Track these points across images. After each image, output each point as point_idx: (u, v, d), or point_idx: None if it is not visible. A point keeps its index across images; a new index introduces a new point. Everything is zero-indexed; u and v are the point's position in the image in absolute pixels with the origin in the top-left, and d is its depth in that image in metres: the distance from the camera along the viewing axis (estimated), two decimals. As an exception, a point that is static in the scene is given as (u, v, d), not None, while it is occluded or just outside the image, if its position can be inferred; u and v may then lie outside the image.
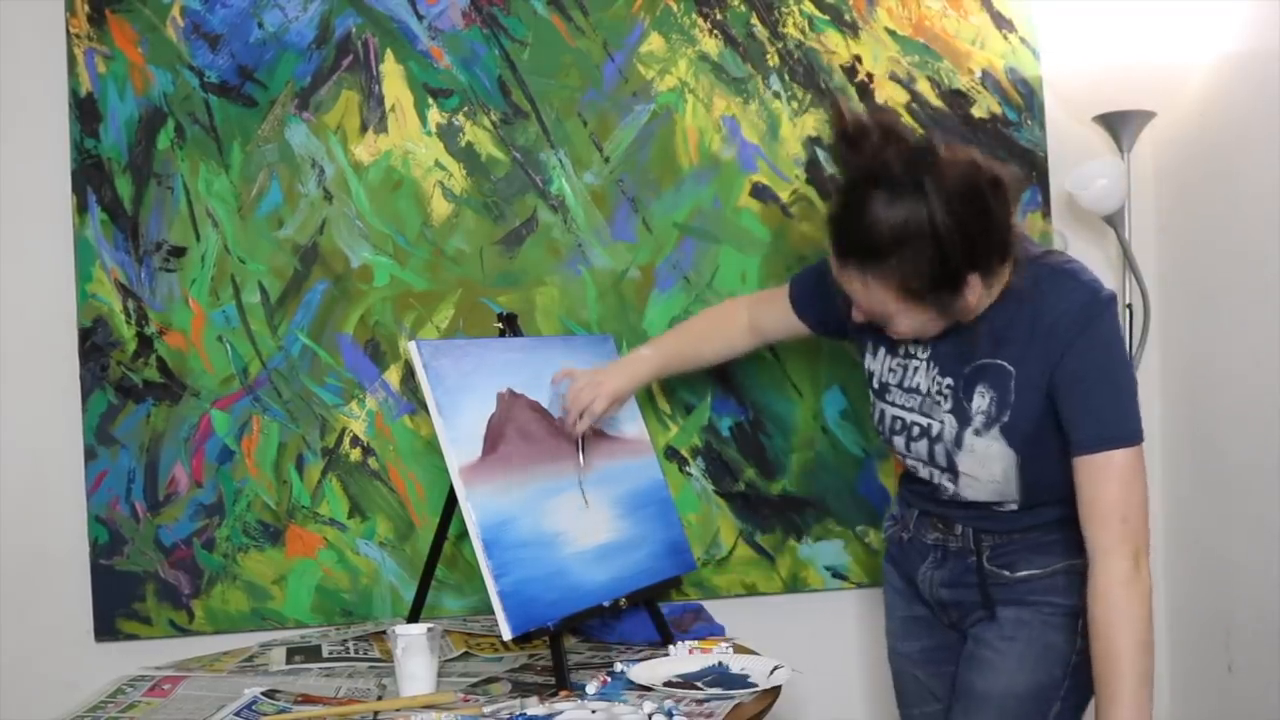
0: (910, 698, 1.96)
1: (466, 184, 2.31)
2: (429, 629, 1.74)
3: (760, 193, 2.35)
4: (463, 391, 1.88)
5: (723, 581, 2.35)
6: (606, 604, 1.92)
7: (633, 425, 2.15)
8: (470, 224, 2.31)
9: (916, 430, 1.73)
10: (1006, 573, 1.74)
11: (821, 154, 2.36)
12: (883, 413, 1.79)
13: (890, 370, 1.77)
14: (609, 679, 1.77)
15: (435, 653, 1.73)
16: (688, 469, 2.34)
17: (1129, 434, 1.60)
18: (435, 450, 2.13)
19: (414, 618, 2.08)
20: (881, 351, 1.78)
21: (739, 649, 1.91)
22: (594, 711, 1.59)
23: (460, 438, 1.82)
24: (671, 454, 2.34)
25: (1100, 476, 1.58)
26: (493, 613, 1.72)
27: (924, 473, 1.77)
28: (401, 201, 2.30)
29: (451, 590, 2.29)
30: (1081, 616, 1.65)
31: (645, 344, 2.06)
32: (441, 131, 2.30)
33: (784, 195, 2.35)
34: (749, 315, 2.01)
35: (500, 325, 2.11)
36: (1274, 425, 2.09)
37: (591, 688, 1.71)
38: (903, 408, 1.76)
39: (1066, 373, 1.58)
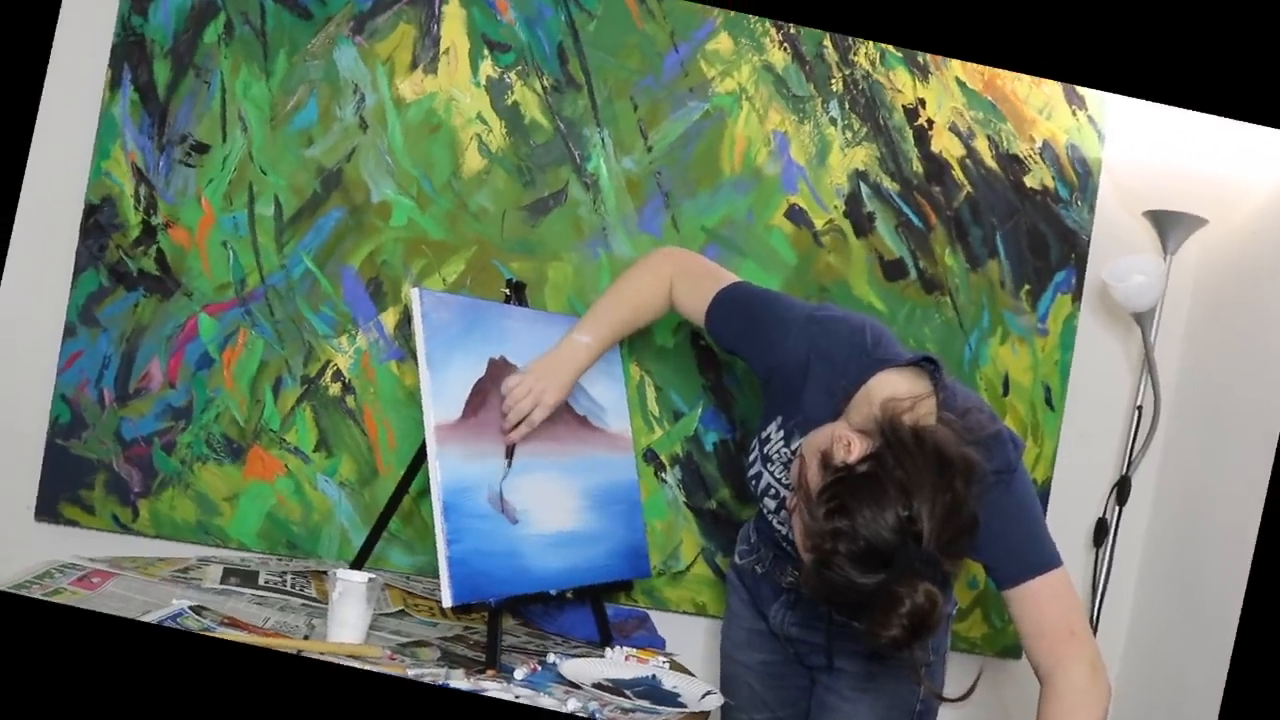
0: (742, 702, 2.01)
1: (504, 143, 2.30)
2: (370, 579, 1.74)
3: (795, 215, 2.35)
4: (456, 349, 1.88)
5: (674, 595, 2.35)
6: (553, 593, 1.92)
7: (618, 421, 2.15)
8: (499, 184, 2.30)
9: (789, 502, 1.73)
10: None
11: (865, 189, 2.36)
12: (760, 475, 1.84)
13: (783, 448, 1.79)
14: (539, 668, 1.77)
15: (371, 604, 1.73)
16: (663, 475, 2.34)
17: (1050, 559, 1.66)
18: (415, 402, 2.13)
19: (358, 565, 2.08)
20: (785, 431, 1.80)
21: (675, 666, 1.91)
22: (516, 696, 1.59)
23: (443, 395, 1.82)
24: (650, 457, 2.34)
25: (1033, 603, 1.65)
26: (438, 576, 1.72)
27: (785, 531, 1.80)
28: (435, 146, 2.29)
29: (402, 545, 2.29)
30: (924, 666, 1.75)
31: (580, 328, 2.01)
32: (491, 85, 2.30)
33: (819, 223, 2.35)
34: (672, 287, 1.98)
35: (507, 291, 2.11)
36: (1246, 559, 2.08)
37: (520, 673, 1.71)
38: (780, 482, 1.80)
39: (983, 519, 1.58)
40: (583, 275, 2.31)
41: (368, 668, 1.58)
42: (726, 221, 2.34)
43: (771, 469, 1.81)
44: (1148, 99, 1.96)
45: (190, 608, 1.70)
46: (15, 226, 1.95)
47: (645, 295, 2.01)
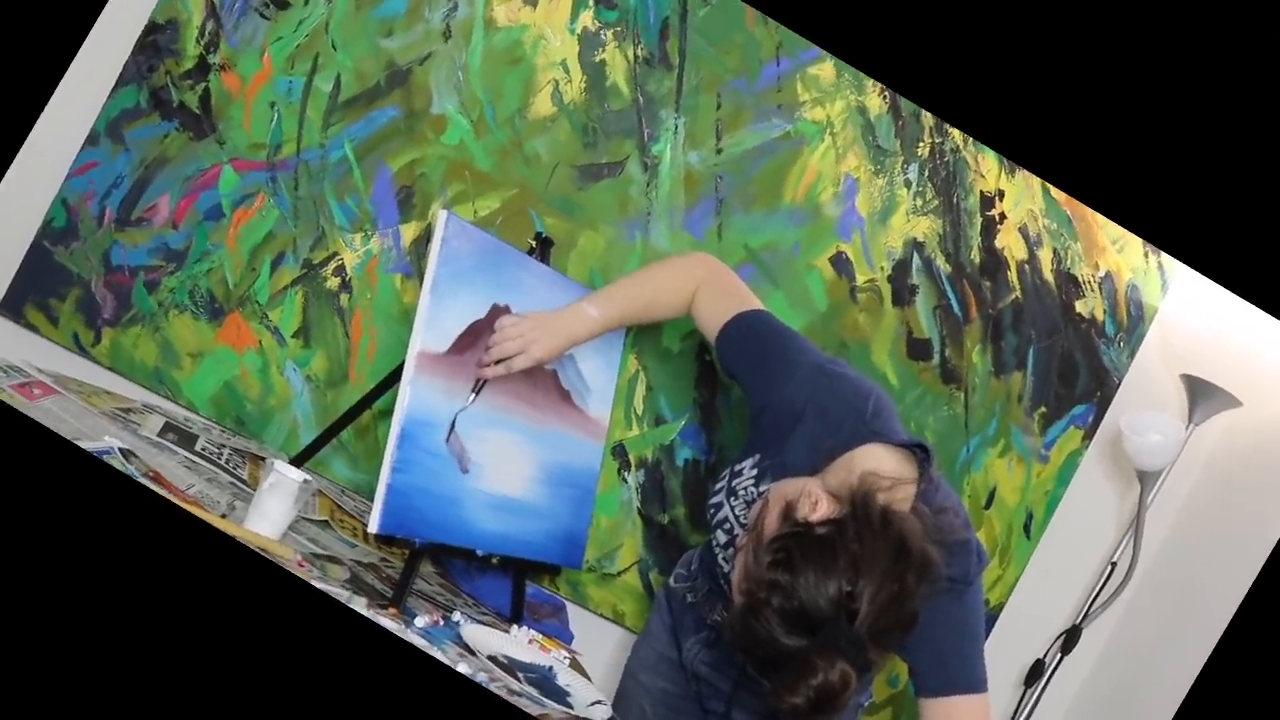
0: (631, 713, 2.01)
1: (579, 98, 2.30)
2: (305, 480, 1.73)
3: (840, 263, 2.34)
4: (464, 283, 1.87)
5: (597, 595, 2.35)
6: (480, 553, 1.92)
7: (599, 406, 2.15)
8: (561, 135, 2.30)
9: (739, 541, 1.73)
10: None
11: (917, 260, 2.35)
12: (721, 505, 1.84)
13: (752, 486, 1.79)
14: (442, 622, 1.77)
15: (298, 505, 1.72)
16: (626, 474, 2.34)
17: (978, 682, 1.67)
18: (407, 321, 2.13)
19: (298, 462, 2.07)
20: (759, 470, 1.80)
21: (575, 665, 1.91)
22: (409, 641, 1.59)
23: (437, 323, 1.82)
24: (619, 452, 2.33)
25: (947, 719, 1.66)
26: (372, 499, 1.72)
27: (727, 569, 1.80)
28: (511, 79, 2.28)
29: (347, 458, 2.28)
30: None
31: (592, 300, 2.01)
32: (584, 36, 2.29)
33: (860, 278, 2.35)
34: (696, 293, 1.98)
35: (534, 244, 2.10)
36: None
37: (421, 620, 1.71)
38: (738, 519, 1.80)
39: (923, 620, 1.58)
40: (612, 252, 2.31)
41: (273, 560, 1.57)
42: (770, 247, 2.33)
43: (734, 503, 1.81)
44: (1220, 282, 1.96)
45: (120, 449, 1.69)
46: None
47: (667, 291, 2.01)
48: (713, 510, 1.85)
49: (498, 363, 1.89)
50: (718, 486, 1.86)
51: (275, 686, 1.16)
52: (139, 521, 1.22)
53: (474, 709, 1.30)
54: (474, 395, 1.90)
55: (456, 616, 1.81)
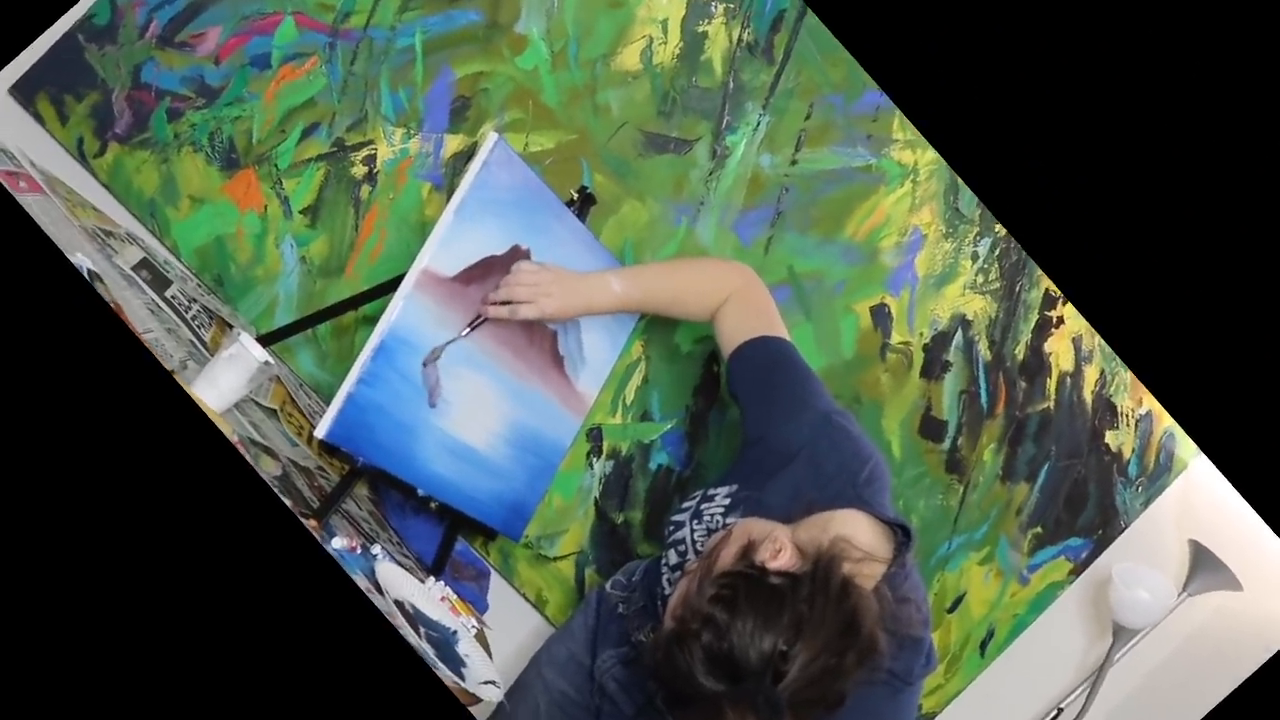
0: (520, 715, 2.00)
1: (669, 64, 2.28)
2: (267, 362, 1.73)
3: (880, 315, 2.33)
4: (491, 214, 1.86)
5: (526, 574, 2.34)
6: (421, 493, 1.91)
7: (589, 382, 2.14)
8: (638, 96, 2.28)
9: (689, 566, 1.72)
10: (669, 717, 1.76)
11: (959, 339, 2.34)
12: (681, 525, 1.83)
13: (720, 515, 1.78)
14: (359, 550, 1.76)
15: (251, 385, 1.72)
16: (594, 460, 2.33)
17: None
18: (421, 234, 2.11)
19: (265, 342, 2.06)
20: (733, 501, 1.79)
21: (480, 637, 1.90)
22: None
23: (451, 246, 1.81)
24: (594, 436, 2.32)
25: None
26: (329, 403, 1.71)
27: (669, 591, 1.79)
28: (605, 22, 2.27)
29: (316, 354, 2.27)
30: None
31: (618, 275, 2.02)
32: (694, 3, 2.27)
33: (896, 337, 2.34)
34: (724, 303, 1.98)
35: (576, 195, 2.09)
36: None
37: (338, 542, 1.70)
38: (694, 545, 1.79)
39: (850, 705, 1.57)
40: (653, 230, 2.29)
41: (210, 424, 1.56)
42: (815, 276, 2.32)
43: (696, 527, 1.80)
44: (1250, 498, 1.96)
45: (89, 270, 1.68)
46: None
47: (697, 292, 2.01)
48: (672, 527, 1.85)
49: (504, 304, 1.89)
50: (684, 505, 1.86)
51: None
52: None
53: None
54: (468, 329, 1.89)
55: (376, 550, 1.81)
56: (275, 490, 1.64)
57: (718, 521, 1.77)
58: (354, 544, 1.75)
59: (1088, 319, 2.28)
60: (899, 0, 1.32)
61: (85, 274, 1.65)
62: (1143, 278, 1.34)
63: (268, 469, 1.74)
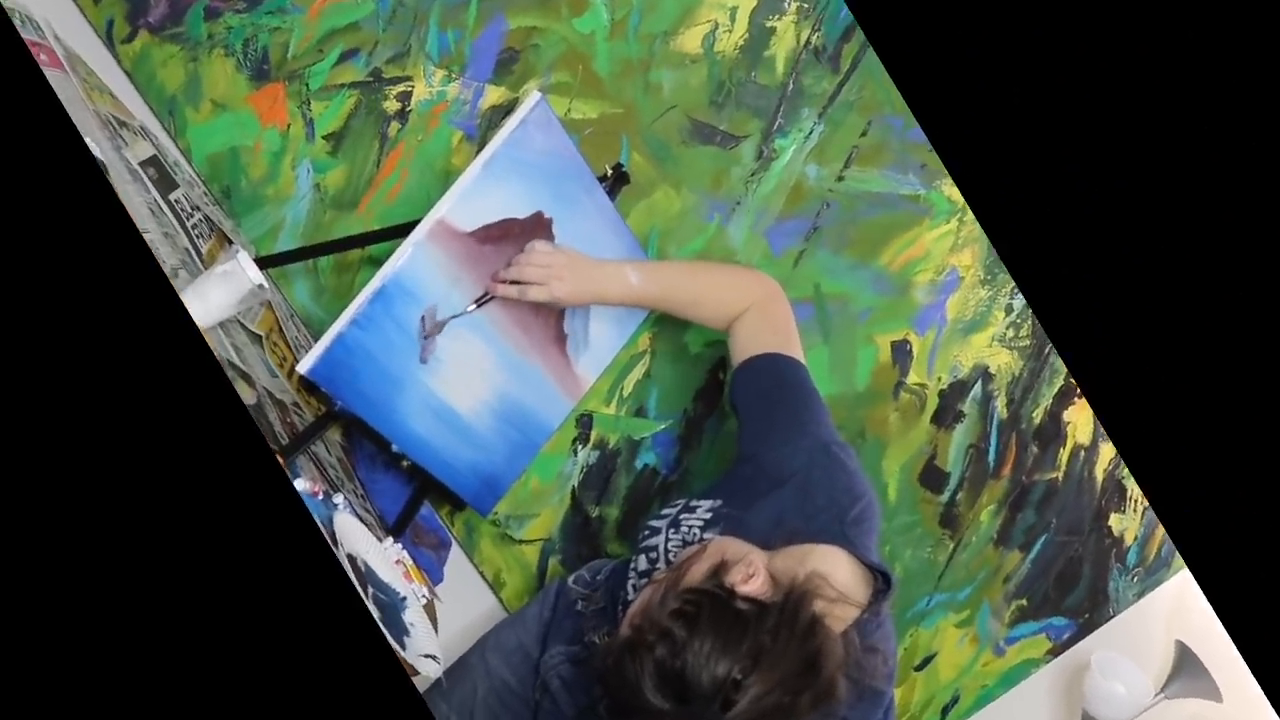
0: (456, 695, 2.00)
1: (730, 54, 2.27)
2: (261, 286, 1.72)
3: (900, 352, 2.33)
4: (520, 176, 1.86)
5: (487, 552, 2.33)
6: (395, 449, 1.91)
7: (589, 367, 2.14)
8: (693, 83, 2.27)
9: (656, 575, 1.72)
10: None
11: (978, 391, 2.33)
12: (657, 532, 1.83)
13: (698, 529, 1.77)
14: (320, 496, 1.76)
15: (240, 306, 1.71)
16: (579, 447, 2.32)
17: None
18: (444, 184, 2.11)
19: (263, 265, 2.05)
20: (714, 516, 1.78)
21: (429, 608, 1.90)
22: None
23: (472, 201, 1.81)
24: (584, 422, 2.31)
25: None
26: (317, 339, 1.71)
27: (632, 597, 1.79)
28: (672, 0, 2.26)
29: (314, 287, 2.26)
30: None
31: (638, 268, 2.02)
32: (768, -5, 2.27)
33: (912, 378, 2.33)
34: (742, 314, 1.99)
35: (610, 172, 2.08)
36: None
37: (300, 484, 1.70)
38: (667, 554, 1.79)
39: None
40: (683, 222, 2.28)
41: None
42: (840, 299, 2.31)
43: (672, 536, 1.80)
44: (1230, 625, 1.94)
45: (97, 158, 1.68)
46: None
47: (717, 300, 2.02)
48: (647, 532, 1.84)
49: (514, 284, 1.88)
50: (664, 511, 1.85)
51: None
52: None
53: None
54: (474, 306, 1.89)
55: (338, 499, 1.80)
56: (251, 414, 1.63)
57: (695, 534, 1.77)
58: (317, 488, 1.74)
59: (1093, 409, 2.27)
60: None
61: (95, 156, 1.64)
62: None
63: (242, 393, 1.73)
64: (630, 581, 1.84)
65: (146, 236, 1.73)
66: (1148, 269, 1.28)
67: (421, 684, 1.84)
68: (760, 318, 1.98)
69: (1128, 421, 1.35)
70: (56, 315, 1.14)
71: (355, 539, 1.76)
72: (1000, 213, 1.34)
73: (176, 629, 1.11)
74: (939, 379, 2.34)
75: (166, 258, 1.77)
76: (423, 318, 1.84)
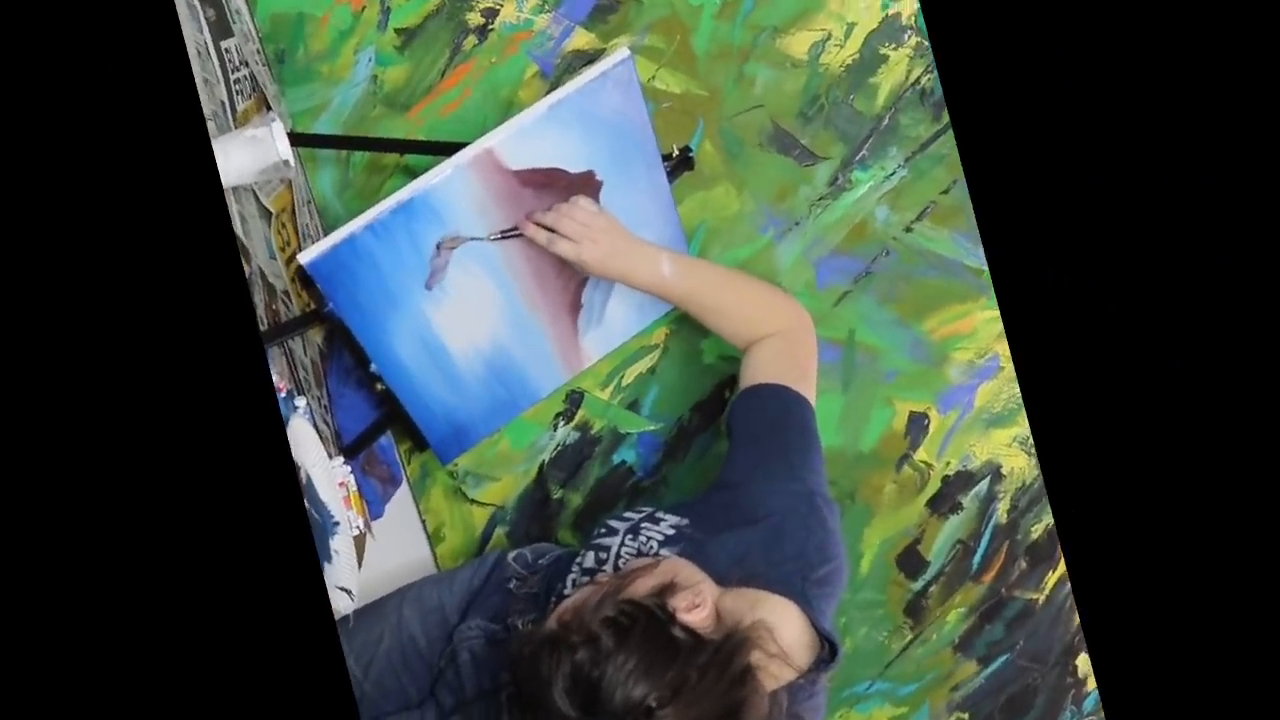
0: (361, 637, 1.98)
1: (834, 70, 2.25)
2: (287, 161, 1.71)
3: (916, 425, 2.31)
4: (584, 129, 1.85)
5: (435, 501, 2.31)
6: (373, 369, 1.90)
7: (596, 345, 2.13)
8: (788, 88, 2.25)
9: (600, 577, 1.72)
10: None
11: (982, 486, 2.32)
12: (614, 532, 1.82)
13: (658, 543, 1.77)
14: (284, 394, 1.75)
15: (260, 177, 1.71)
16: (560, 423, 2.30)
17: None
18: (504, 112, 2.10)
19: (294, 141, 2.04)
20: (677, 533, 1.77)
21: (359, 539, 1.88)
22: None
23: (528, 140, 1.80)
24: (573, 398, 2.29)
25: None
26: (326, 234, 1.70)
27: (570, 591, 1.78)
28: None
29: (340, 178, 2.24)
30: None
31: (674, 259, 1.99)
32: (891, 20, 2.23)
33: (920, 455, 2.32)
34: (763, 340, 1.99)
35: (675, 153, 2.07)
36: None
37: (272, 377, 1.69)
38: (618, 557, 1.78)
39: None
40: (733, 225, 2.26)
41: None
42: (871, 351, 2.29)
43: (628, 543, 1.79)
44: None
45: None
46: None
47: (744, 316, 2.02)
48: (604, 531, 1.83)
49: (541, 229, 1.87)
50: (627, 515, 1.84)
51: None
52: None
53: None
54: (499, 235, 1.88)
55: (299, 402, 1.79)
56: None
57: (652, 547, 1.75)
58: (282, 385, 1.73)
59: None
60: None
61: None
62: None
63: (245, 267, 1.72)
64: (572, 575, 1.82)
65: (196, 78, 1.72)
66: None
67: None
68: (782, 347, 1.97)
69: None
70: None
71: (306, 449, 1.75)
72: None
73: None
74: (948, 463, 2.32)
75: (207, 104, 1.76)
76: (439, 244, 1.82)
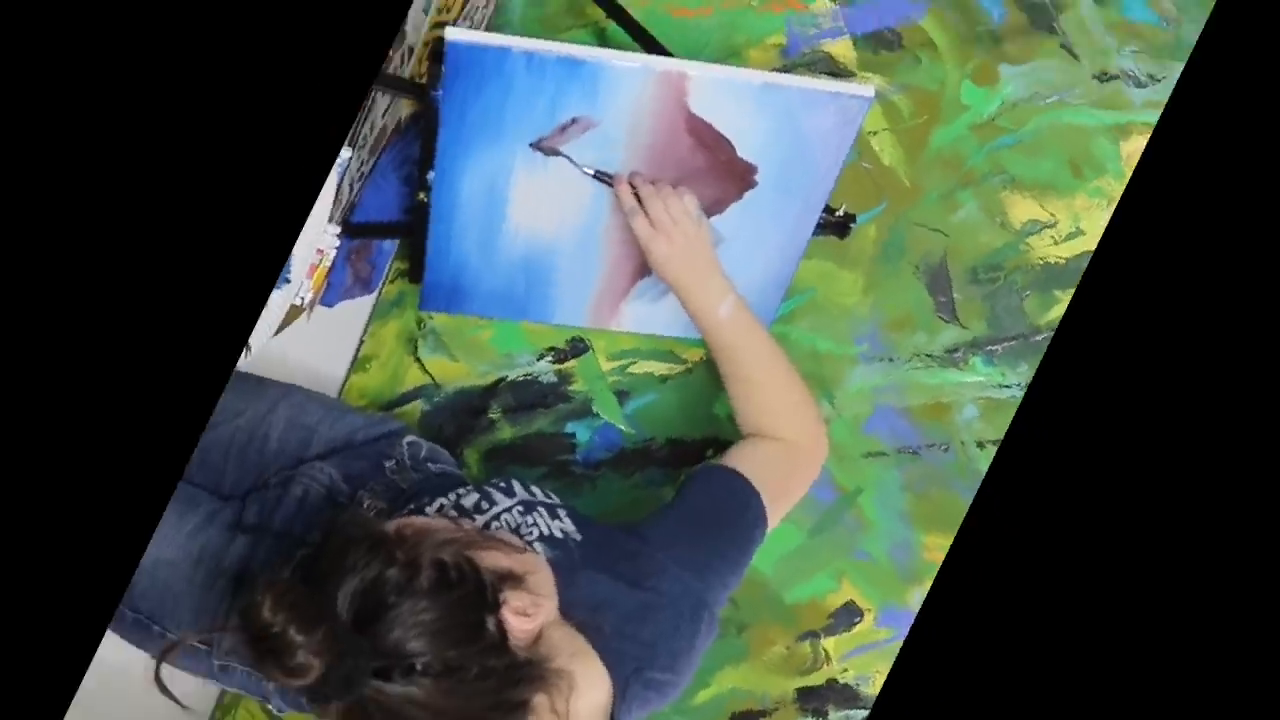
0: (230, 409, 1.97)
1: (1031, 259, 2.22)
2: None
3: (843, 617, 2.28)
4: (778, 128, 1.90)
5: (386, 339, 2.27)
6: (430, 176, 1.88)
7: (631, 318, 2.13)
8: (980, 240, 2.23)
9: (466, 524, 1.70)
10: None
11: (848, 716, 2.29)
12: (510, 494, 1.81)
13: (544, 530, 1.75)
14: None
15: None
16: (546, 356, 2.26)
17: None
18: (724, 56, 2.12)
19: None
20: (563, 539, 1.75)
21: (293, 312, 1.86)
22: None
23: (721, 93, 1.82)
24: (574, 345, 2.25)
25: None
26: (491, 28, 1.68)
27: (429, 511, 1.79)
28: (1044, 160, 2.24)
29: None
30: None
31: (737, 305, 1.96)
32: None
33: (830, 644, 2.28)
34: (771, 436, 1.97)
35: (840, 213, 2.07)
36: None
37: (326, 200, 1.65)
38: (494, 518, 1.76)
39: None
40: (835, 315, 2.24)
41: None
42: (861, 523, 2.26)
43: (514, 515, 1.76)
44: None
45: None
46: None
47: (769, 404, 1.99)
48: (503, 486, 1.81)
49: (636, 198, 1.88)
50: (533, 489, 1.82)
51: None
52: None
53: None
54: (594, 173, 1.87)
55: (345, 154, 1.76)
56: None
57: (530, 534, 1.73)
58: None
59: None
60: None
61: None
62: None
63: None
64: (441, 500, 1.79)
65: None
66: None
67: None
68: (784, 459, 1.94)
69: None
70: None
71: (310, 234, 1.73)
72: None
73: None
74: (845, 670, 2.28)
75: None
76: (575, 119, 1.79)
